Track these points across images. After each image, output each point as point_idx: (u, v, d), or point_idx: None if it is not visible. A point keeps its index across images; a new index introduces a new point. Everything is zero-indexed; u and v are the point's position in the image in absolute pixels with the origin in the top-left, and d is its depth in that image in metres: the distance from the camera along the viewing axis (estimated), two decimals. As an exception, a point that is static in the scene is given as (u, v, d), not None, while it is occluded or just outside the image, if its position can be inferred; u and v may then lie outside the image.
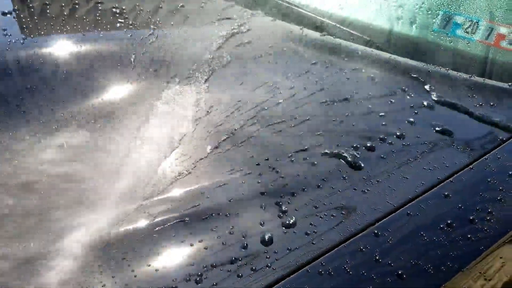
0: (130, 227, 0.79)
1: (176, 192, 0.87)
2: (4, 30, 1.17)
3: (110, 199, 0.83)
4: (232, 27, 1.40)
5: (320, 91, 1.18)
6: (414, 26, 1.47)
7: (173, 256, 0.75)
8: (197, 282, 0.70)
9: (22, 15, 1.26)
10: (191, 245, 0.77)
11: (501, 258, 0.86)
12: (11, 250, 0.73)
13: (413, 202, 0.88)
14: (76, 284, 0.69)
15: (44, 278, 0.69)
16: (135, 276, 0.71)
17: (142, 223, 0.80)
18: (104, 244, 0.75)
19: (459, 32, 1.45)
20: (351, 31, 1.41)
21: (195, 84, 1.14)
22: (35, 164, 0.89)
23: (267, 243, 0.77)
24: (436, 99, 1.18)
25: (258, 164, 0.94)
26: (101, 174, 0.89)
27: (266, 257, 0.75)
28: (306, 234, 0.79)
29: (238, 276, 0.72)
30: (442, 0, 1.47)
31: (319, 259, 0.75)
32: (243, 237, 0.78)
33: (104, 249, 0.75)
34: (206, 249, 0.76)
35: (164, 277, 0.71)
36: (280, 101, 1.13)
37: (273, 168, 0.93)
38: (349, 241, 0.79)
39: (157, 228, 0.79)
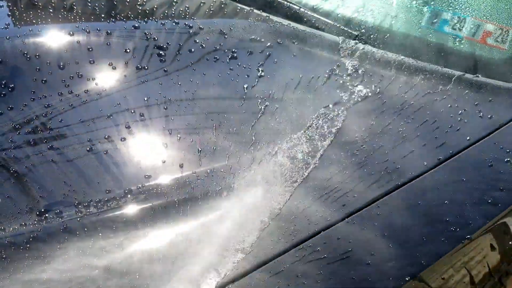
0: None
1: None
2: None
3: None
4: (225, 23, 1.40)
5: (310, 84, 1.19)
6: (402, 22, 1.48)
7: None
8: None
9: (13, 4, 1.26)
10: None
11: (481, 248, 0.88)
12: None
13: (397, 190, 0.89)
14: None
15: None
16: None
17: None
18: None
19: (447, 28, 1.46)
20: (338, 25, 1.42)
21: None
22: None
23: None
24: (421, 93, 1.20)
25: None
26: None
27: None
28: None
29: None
30: (431, -3, 1.49)
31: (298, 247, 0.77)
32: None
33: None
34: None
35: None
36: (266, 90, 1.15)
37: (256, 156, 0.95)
38: (334, 226, 0.81)
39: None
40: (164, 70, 1.15)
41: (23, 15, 1.22)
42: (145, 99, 1.07)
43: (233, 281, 0.70)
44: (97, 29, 1.20)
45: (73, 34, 1.15)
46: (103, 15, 1.27)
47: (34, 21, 1.19)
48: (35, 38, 1.13)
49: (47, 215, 0.79)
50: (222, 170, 0.92)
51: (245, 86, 1.15)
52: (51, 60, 1.09)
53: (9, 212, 0.80)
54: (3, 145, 0.91)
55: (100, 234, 0.77)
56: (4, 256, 0.72)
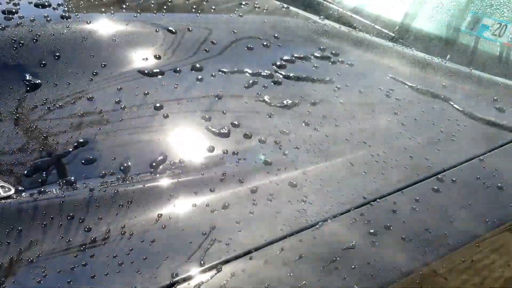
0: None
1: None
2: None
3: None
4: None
5: (340, 83, 1.23)
6: (441, 25, 1.49)
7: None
8: None
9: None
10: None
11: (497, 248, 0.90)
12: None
13: (404, 190, 0.92)
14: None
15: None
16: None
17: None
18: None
19: (487, 34, 1.46)
20: (377, 27, 1.45)
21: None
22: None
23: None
24: (456, 97, 1.21)
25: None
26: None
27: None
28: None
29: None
30: (473, 2, 1.49)
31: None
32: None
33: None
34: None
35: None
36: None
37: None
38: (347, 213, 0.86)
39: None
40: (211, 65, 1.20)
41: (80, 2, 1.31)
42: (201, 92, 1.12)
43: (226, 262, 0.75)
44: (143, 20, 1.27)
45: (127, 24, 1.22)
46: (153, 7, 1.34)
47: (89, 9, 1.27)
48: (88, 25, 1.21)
49: (74, 184, 0.85)
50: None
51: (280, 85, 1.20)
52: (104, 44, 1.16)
53: (38, 178, 0.86)
54: (48, 115, 0.98)
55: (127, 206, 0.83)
56: (28, 222, 0.78)
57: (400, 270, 0.79)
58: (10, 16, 1.09)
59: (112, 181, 0.86)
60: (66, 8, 1.19)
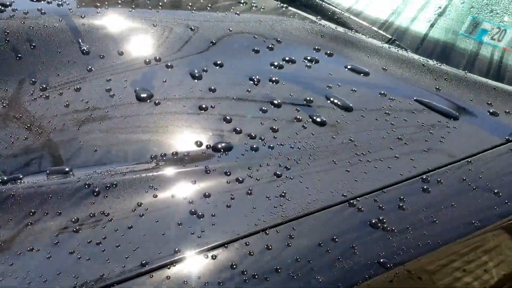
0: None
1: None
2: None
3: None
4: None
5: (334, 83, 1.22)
6: (440, 29, 1.48)
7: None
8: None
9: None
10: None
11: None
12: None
13: (386, 189, 0.92)
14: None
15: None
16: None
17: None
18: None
19: (486, 38, 1.45)
20: (374, 28, 1.45)
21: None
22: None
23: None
24: (449, 99, 1.20)
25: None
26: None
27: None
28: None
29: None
30: (472, 6, 1.48)
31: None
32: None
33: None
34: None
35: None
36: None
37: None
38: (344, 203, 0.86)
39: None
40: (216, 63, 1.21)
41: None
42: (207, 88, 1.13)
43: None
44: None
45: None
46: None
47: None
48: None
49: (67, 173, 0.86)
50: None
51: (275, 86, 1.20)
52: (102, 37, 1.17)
53: (36, 167, 0.88)
54: (34, 106, 0.99)
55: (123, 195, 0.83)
56: (24, 209, 0.79)
57: (377, 269, 0.79)
58: (3, 8, 1.11)
59: (90, 170, 0.87)
60: (60, 2, 1.21)
